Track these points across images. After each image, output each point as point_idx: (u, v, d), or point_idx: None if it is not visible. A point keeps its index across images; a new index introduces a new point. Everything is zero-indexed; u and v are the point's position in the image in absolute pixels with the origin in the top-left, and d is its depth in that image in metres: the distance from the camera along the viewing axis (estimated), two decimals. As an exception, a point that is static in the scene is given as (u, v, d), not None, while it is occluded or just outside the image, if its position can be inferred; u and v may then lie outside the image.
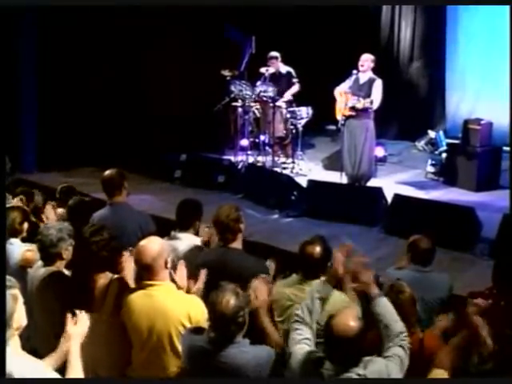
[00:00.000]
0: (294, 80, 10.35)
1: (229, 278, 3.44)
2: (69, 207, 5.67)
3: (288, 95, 10.23)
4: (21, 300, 3.00)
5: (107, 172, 5.39)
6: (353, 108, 8.85)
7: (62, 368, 3.16)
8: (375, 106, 8.73)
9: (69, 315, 3.30)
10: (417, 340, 3.72)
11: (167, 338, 3.69)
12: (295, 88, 10.32)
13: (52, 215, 5.67)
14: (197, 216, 5.08)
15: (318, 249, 3.98)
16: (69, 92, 10.21)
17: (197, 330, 3.47)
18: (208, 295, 3.70)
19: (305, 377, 3.19)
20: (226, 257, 4.30)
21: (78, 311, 3.34)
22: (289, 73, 10.39)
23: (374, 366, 3.14)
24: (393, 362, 3.20)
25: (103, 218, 5.17)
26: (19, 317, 2.98)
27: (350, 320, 3.10)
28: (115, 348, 3.88)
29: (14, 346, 2.96)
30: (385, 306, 3.42)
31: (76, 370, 3.13)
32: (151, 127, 10.53)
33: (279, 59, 10.36)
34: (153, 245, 3.78)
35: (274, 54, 10.36)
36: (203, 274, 4.07)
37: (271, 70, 10.35)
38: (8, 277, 3.03)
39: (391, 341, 3.29)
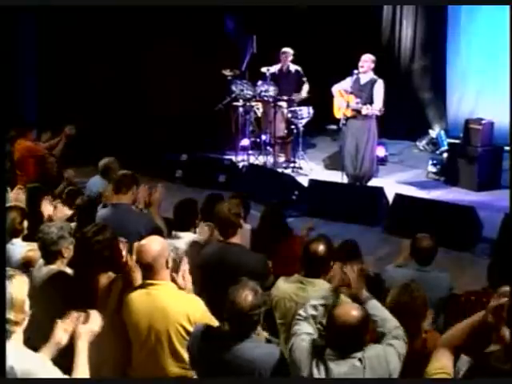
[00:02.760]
0: (304, 79, 10.39)
1: (228, 273, 3.43)
2: (77, 206, 5.69)
3: (304, 94, 10.29)
4: (27, 289, 3.01)
5: (121, 171, 5.57)
6: (355, 109, 8.86)
7: (62, 363, 3.14)
8: (378, 108, 8.72)
9: (74, 314, 3.27)
10: (420, 340, 3.72)
11: (166, 338, 3.69)
12: (306, 87, 10.36)
13: (60, 212, 5.68)
14: (195, 215, 5.09)
15: (321, 247, 3.98)
16: (69, 92, 10.22)
17: (206, 328, 3.47)
18: (208, 292, 3.69)
19: (307, 364, 3.22)
20: (225, 252, 4.29)
21: (90, 310, 3.32)
22: (297, 71, 10.42)
23: (372, 350, 3.23)
24: (390, 348, 3.27)
25: (105, 218, 5.19)
26: (27, 304, 2.99)
27: (352, 309, 3.20)
28: (118, 347, 3.88)
29: (16, 339, 2.96)
30: (375, 308, 3.51)
31: (83, 371, 3.10)
32: (152, 127, 10.53)
33: (291, 56, 10.39)
34: (154, 244, 3.78)
35: (286, 49, 10.39)
36: (185, 267, 4.02)
37: (272, 69, 10.36)
38: (13, 269, 3.05)
39: (385, 335, 3.36)
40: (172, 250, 4.16)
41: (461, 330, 3.52)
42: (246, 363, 3.27)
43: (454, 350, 3.24)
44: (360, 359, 3.16)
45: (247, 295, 3.24)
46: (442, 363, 3.24)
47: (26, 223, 5.12)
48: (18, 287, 2.92)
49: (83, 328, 3.22)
